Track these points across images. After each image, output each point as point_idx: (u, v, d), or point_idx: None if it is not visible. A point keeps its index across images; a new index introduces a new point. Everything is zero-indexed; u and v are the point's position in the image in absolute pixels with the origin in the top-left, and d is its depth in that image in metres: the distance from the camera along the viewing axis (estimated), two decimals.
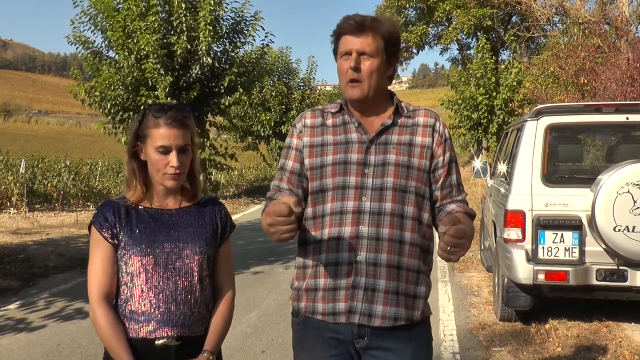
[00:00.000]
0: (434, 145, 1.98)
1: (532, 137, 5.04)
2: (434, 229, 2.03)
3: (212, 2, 15.75)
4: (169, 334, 1.92)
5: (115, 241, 1.94)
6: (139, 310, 1.92)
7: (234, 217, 15.49)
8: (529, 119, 5.16)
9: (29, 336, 5.25)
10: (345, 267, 1.88)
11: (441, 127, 2.01)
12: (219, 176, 24.54)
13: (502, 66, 25.35)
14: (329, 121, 2.02)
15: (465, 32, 31.34)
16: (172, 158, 1.92)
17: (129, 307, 1.93)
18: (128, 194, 2.00)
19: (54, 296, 6.63)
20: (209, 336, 2.00)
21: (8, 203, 15.64)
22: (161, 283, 1.93)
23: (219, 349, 2.06)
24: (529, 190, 4.92)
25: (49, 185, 17.25)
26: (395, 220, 1.89)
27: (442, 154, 1.99)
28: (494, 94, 23.19)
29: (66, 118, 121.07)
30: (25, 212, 15.09)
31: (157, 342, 1.91)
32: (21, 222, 12.97)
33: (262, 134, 29.76)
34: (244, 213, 16.45)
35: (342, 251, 1.88)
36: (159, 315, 1.91)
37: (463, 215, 1.86)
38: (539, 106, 5.29)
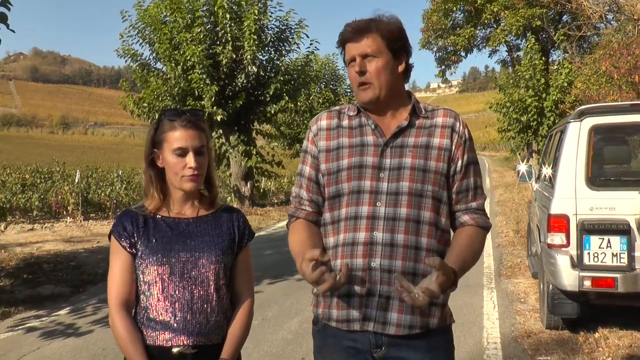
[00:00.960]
0: (453, 147, 1.92)
1: (576, 139, 4.88)
2: (451, 233, 1.98)
3: (256, 12, 15.96)
4: (185, 342, 1.93)
5: (134, 250, 1.97)
6: (157, 319, 1.94)
7: (280, 224, 15.71)
8: (571, 120, 5.00)
9: (76, 341, 5.40)
10: (360, 273, 1.85)
11: (461, 127, 1.95)
12: (269, 183, 24.75)
13: (552, 67, 24.69)
14: (345, 122, 1.99)
15: (513, 34, 30.70)
16: (190, 159, 1.95)
17: (147, 315, 1.96)
18: (146, 203, 2.02)
19: (102, 302, 6.81)
20: (226, 344, 2.00)
21: (65, 212, 16.18)
22: (177, 292, 1.94)
23: (238, 356, 2.06)
24: (573, 194, 4.76)
25: (103, 194, 17.78)
26: (410, 225, 1.84)
27: (461, 157, 1.93)
28: (544, 95, 22.62)
29: (120, 129, 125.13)
30: (81, 220, 15.56)
31: (173, 350, 1.93)
32: (75, 231, 13.40)
33: None
34: None
35: (356, 257, 1.85)
36: (175, 324, 1.93)
37: (467, 240, 1.89)
38: (583, 107, 5.12)
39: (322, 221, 1.98)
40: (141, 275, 1.97)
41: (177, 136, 1.94)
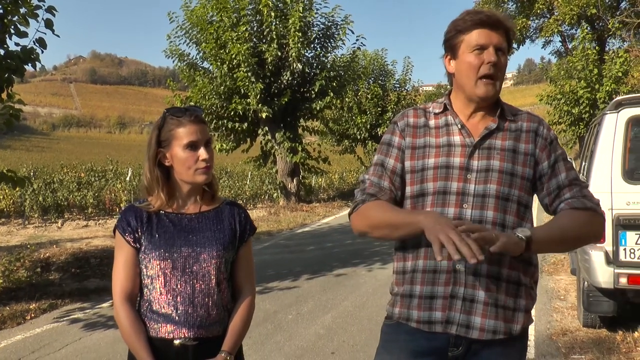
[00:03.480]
0: (537, 151, 1.88)
1: (612, 130, 4.72)
2: None
3: (301, 9, 16.03)
4: (187, 334, 1.98)
5: (137, 245, 2.03)
6: (159, 312, 2.00)
7: (326, 220, 15.79)
8: (608, 112, 4.83)
9: (115, 333, 5.59)
10: (444, 275, 1.80)
11: (545, 130, 1.91)
12: (319, 180, 24.84)
13: (607, 56, 23.78)
14: (432, 122, 1.94)
15: (567, 23, 29.74)
16: (202, 152, 2.00)
17: (150, 307, 2.02)
18: (152, 201, 2.07)
19: None
20: (227, 337, 2.04)
21: (117, 209, 16.72)
22: (179, 286, 1.99)
23: (239, 349, 2.11)
24: (609, 188, 4.61)
25: None
26: (496, 229, 1.78)
27: (547, 157, 1.88)
28: (597, 86, 21.84)
29: None
30: None
31: (175, 342, 1.98)
32: None
33: (359, 137, 29.85)
34: (335, 216, 16.56)
35: None
36: (176, 317, 1.98)
37: (564, 215, 1.81)
38: (620, 97, 4.95)
39: None
40: (144, 269, 2.03)
41: (187, 131, 1.99)
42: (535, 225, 1.87)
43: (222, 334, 2.05)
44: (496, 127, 1.87)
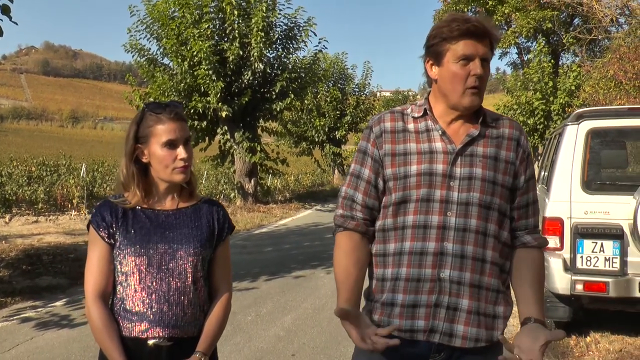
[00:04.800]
0: (517, 161, 1.89)
1: (573, 142, 4.85)
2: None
3: (264, 9, 15.96)
4: (161, 334, 1.92)
5: (112, 241, 1.96)
6: (133, 310, 1.94)
7: (283, 222, 15.74)
8: (569, 123, 4.97)
9: (70, 332, 5.44)
10: (428, 284, 1.79)
11: (525, 141, 1.92)
12: (275, 181, 24.77)
13: (561, 70, 24.52)
14: (411, 126, 1.90)
15: (524, 36, 30.50)
16: (180, 151, 1.95)
17: (124, 306, 1.95)
18: (128, 197, 2.02)
19: None
20: (202, 338, 1.99)
21: (69, 205, 16.27)
22: (154, 283, 1.94)
23: (214, 350, 2.06)
24: (568, 197, 4.74)
25: (108, 188, 17.86)
26: (479, 237, 1.80)
27: (524, 172, 1.90)
28: (551, 98, 22.50)
29: (130, 124, 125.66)
30: (85, 214, 15.63)
31: (149, 342, 1.92)
32: (78, 224, 13.46)
33: (317, 140, 29.94)
34: (293, 218, 16.55)
35: (424, 267, 1.80)
36: (151, 316, 1.93)
37: (539, 276, 1.90)
38: (580, 110, 5.09)
39: (380, 226, 1.91)
40: (119, 266, 1.97)
41: (166, 128, 1.94)
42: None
43: (197, 335, 2.00)
44: (478, 133, 1.86)
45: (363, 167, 1.93)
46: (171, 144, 1.94)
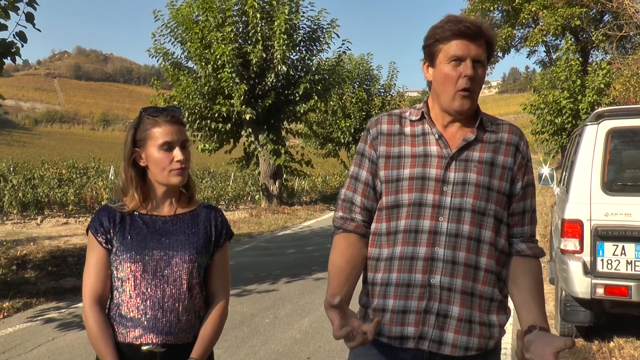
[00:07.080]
0: (515, 167, 1.85)
1: (592, 142, 4.74)
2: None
3: (287, 11, 16.01)
4: (154, 340, 1.92)
5: (109, 246, 1.97)
6: (128, 316, 1.94)
7: (307, 223, 15.75)
8: (589, 123, 4.86)
9: None
10: (418, 289, 1.76)
11: (525, 147, 1.88)
12: (302, 183, 24.80)
13: (590, 68, 24.06)
14: (407, 129, 1.88)
15: (551, 34, 30.06)
16: (177, 153, 1.95)
17: (119, 311, 1.96)
18: (126, 202, 2.03)
19: None
20: (196, 344, 1.98)
21: (98, 207, 16.55)
22: (149, 290, 1.94)
23: (210, 356, 2.06)
24: (588, 199, 4.63)
25: None
26: (471, 244, 1.76)
27: (522, 178, 1.86)
28: (580, 97, 22.09)
29: None
30: None
31: (142, 348, 1.92)
32: None
33: (342, 141, 29.90)
34: (317, 219, 16.54)
35: (415, 272, 1.77)
36: (145, 322, 1.93)
37: (539, 286, 1.82)
38: (601, 109, 4.98)
39: (375, 230, 1.88)
40: (115, 272, 1.98)
41: (162, 131, 1.95)
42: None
43: (192, 341, 1.99)
44: (474, 138, 1.83)
45: (361, 169, 1.92)
46: (168, 146, 1.95)
